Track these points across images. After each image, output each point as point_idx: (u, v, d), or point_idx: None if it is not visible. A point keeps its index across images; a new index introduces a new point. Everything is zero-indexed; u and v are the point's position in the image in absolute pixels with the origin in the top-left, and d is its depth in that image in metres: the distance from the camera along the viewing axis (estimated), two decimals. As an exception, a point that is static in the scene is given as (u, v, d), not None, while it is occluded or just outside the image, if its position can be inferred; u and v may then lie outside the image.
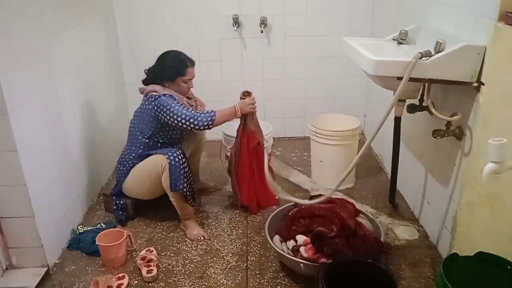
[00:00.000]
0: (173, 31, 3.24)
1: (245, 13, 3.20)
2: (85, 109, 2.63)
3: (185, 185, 2.26)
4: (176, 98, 2.31)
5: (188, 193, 2.29)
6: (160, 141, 2.38)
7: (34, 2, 2.06)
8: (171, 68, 2.33)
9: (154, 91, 2.32)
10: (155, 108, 2.28)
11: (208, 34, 3.26)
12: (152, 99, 2.29)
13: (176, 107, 2.24)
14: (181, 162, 2.24)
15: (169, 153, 2.24)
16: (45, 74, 2.17)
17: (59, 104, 2.30)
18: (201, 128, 2.26)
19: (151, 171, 2.29)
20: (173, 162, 2.22)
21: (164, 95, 2.28)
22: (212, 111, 2.29)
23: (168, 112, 2.24)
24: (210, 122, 2.25)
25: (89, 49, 2.72)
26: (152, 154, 2.32)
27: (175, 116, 2.24)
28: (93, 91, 2.77)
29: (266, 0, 3.18)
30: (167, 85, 2.35)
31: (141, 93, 2.40)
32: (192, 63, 2.37)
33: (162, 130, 2.35)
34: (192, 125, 2.24)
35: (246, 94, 2.42)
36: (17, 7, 1.90)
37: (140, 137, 2.36)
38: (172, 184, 2.24)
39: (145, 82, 2.41)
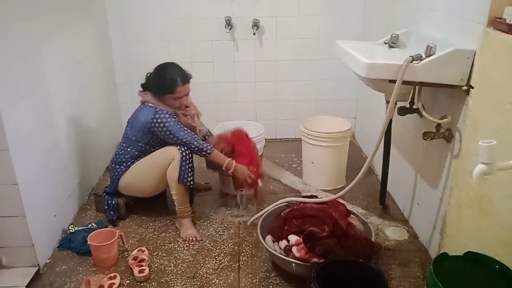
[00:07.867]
0: (166, 33, 3.24)
1: (238, 15, 3.21)
2: (77, 110, 2.62)
3: (191, 179, 2.30)
4: (173, 114, 2.29)
5: (192, 187, 2.35)
6: (156, 148, 2.35)
7: (27, 5, 2.05)
8: (159, 84, 2.29)
9: (150, 103, 2.30)
10: (152, 124, 2.26)
11: (200, 36, 3.26)
12: (151, 114, 2.26)
13: (175, 128, 2.26)
14: (190, 156, 2.29)
15: (179, 146, 2.27)
16: (37, 75, 2.16)
17: (51, 104, 2.28)
18: (197, 151, 2.32)
19: (158, 163, 2.30)
20: (184, 154, 2.26)
21: (161, 111, 2.26)
22: (212, 147, 2.37)
23: (166, 130, 2.25)
24: (209, 151, 2.33)
25: (81, 51, 2.71)
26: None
27: (172, 136, 2.27)
28: (85, 92, 2.76)
29: (259, 3, 3.19)
30: (157, 98, 2.32)
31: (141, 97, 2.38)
32: (183, 81, 2.28)
33: (158, 140, 2.33)
34: (191, 147, 2.30)
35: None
36: (9, 8, 1.90)
37: (136, 142, 2.35)
38: (180, 175, 2.26)
39: (143, 85, 2.38)
